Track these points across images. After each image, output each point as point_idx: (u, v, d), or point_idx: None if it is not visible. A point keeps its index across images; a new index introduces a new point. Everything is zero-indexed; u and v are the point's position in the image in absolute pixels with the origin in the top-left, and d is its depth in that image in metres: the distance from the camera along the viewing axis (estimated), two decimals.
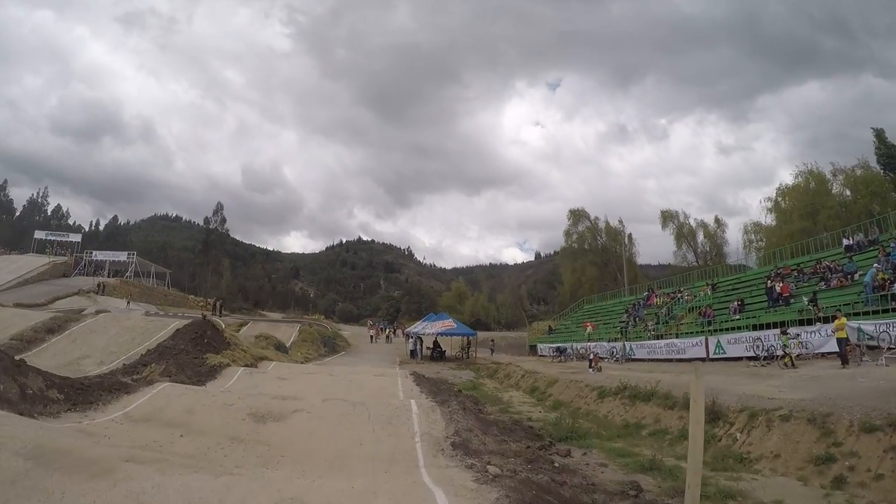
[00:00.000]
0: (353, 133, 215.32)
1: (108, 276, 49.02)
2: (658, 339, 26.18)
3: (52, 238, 56.65)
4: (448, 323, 29.80)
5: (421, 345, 29.03)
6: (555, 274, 73.84)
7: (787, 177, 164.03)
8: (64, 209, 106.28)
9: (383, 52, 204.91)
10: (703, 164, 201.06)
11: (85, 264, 51.21)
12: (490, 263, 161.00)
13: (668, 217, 50.63)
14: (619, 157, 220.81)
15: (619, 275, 51.09)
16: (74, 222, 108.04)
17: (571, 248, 54.72)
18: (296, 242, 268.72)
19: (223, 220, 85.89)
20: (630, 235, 53.25)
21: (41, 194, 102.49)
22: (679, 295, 30.32)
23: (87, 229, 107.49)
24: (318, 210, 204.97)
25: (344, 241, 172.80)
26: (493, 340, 37.91)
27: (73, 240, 56.72)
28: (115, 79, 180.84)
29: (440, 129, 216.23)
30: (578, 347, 30.06)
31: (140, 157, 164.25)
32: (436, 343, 30.72)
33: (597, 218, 54.58)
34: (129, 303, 38.00)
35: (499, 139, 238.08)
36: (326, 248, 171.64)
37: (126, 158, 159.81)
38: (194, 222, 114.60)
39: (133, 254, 55.39)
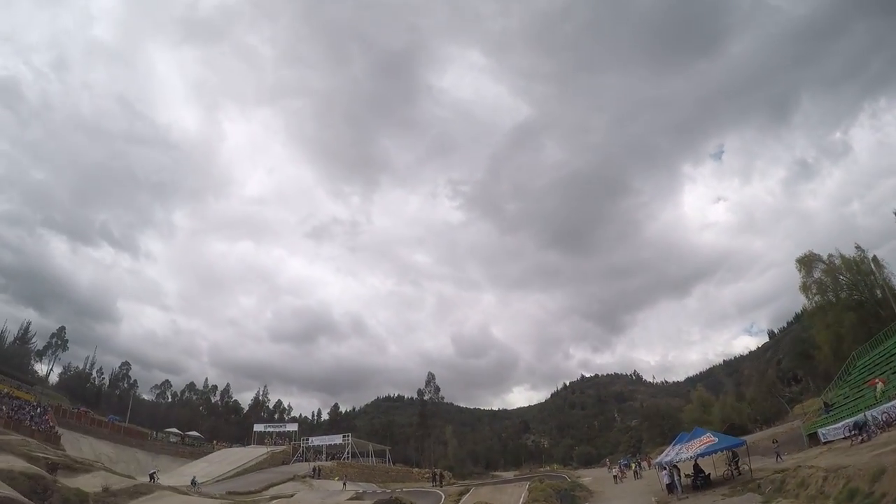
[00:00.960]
0: (547, 277, 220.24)
1: (325, 460, 49.99)
2: None
3: (271, 430, 61.40)
4: (708, 439, 23.71)
5: (678, 474, 23.57)
6: (804, 342, 59.78)
7: None
8: (285, 403, 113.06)
9: (549, 190, 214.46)
10: None
11: (303, 451, 52.59)
12: (724, 361, 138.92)
13: None
14: (812, 194, 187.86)
15: (880, 310, 38.98)
16: (300, 415, 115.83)
17: (816, 301, 43.99)
18: (520, 397, 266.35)
19: (437, 389, 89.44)
20: (876, 258, 41.39)
21: (262, 392, 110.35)
22: None
23: (310, 418, 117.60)
24: (535, 360, 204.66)
25: (567, 383, 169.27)
26: (776, 441, 29.43)
27: (291, 429, 60.77)
28: (317, 285, 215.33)
29: (628, 243, 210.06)
30: (875, 414, 21.89)
31: (356, 348, 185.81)
32: (696, 467, 24.96)
33: (831, 255, 44.23)
34: (344, 483, 37.28)
35: (688, 230, 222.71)
36: (552, 395, 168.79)
37: (343, 352, 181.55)
38: (416, 399, 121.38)
39: (348, 435, 56.55)
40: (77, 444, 41.26)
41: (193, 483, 36.06)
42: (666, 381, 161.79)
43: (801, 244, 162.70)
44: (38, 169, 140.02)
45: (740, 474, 23.60)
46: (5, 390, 42.86)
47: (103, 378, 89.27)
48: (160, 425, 68.04)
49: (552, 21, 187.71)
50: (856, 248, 43.35)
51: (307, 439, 56.79)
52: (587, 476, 40.27)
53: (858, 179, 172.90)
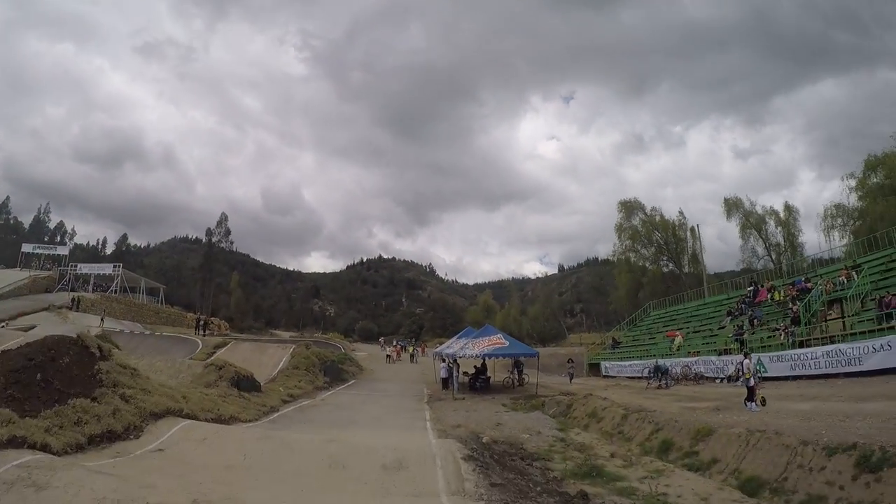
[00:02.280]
0: (371, 154, 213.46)
1: (92, 291, 43.75)
2: (801, 346, 17.82)
3: (39, 252, 51.77)
4: (498, 340, 20.73)
5: (458, 370, 20.71)
6: (602, 278, 65.40)
7: (805, 179, 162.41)
8: (69, 227, 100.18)
9: (398, 72, 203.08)
10: (721, 170, 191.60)
11: (70, 279, 46.08)
12: (512, 278, 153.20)
13: (732, 205, 41.63)
14: (636, 166, 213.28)
15: (682, 274, 42.45)
16: (87, 242, 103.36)
17: (626, 245, 45.66)
18: (316, 263, 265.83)
19: (227, 232, 79.47)
20: (694, 229, 44.05)
21: (43, 210, 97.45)
22: (809, 285, 21.72)
23: (96, 247, 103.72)
24: (339, 230, 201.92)
25: (364, 259, 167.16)
26: (571, 361, 28.39)
27: (61, 253, 51.71)
28: (135, 107, 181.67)
29: (457, 146, 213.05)
30: (673, 365, 21.71)
31: (162, 182, 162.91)
32: (481, 367, 22.47)
33: (654, 209, 45.87)
34: (102, 319, 32.47)
35: (515, 155, 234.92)
36: (347, 267, 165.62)
37: (148, 184, 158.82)
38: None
39: (118, 265, 49.87)
40: None
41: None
42: (456, 281, 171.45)
43: (607, 205, 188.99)
44: None
45: (521, 385, 21.76)
46: None
47: None
48: None
49: None
50: (679, 213, 45.84)
51: (75, 266, 49.15)
52: (363, 352, 37.49)
53: (680, 172, 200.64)
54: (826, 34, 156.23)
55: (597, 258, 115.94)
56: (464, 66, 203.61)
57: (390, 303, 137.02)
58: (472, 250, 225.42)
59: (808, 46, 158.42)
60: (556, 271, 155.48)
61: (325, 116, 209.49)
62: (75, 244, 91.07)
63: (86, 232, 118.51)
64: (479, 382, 21.35)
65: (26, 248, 51.92)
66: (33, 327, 27.44)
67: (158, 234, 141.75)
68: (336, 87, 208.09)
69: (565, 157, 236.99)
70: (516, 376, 22.47)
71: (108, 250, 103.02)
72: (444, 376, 21.07)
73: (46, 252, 51.87)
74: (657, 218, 45.08)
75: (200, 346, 24.84)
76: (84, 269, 49.35)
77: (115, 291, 45.74)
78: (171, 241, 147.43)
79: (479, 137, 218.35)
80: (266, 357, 21.86)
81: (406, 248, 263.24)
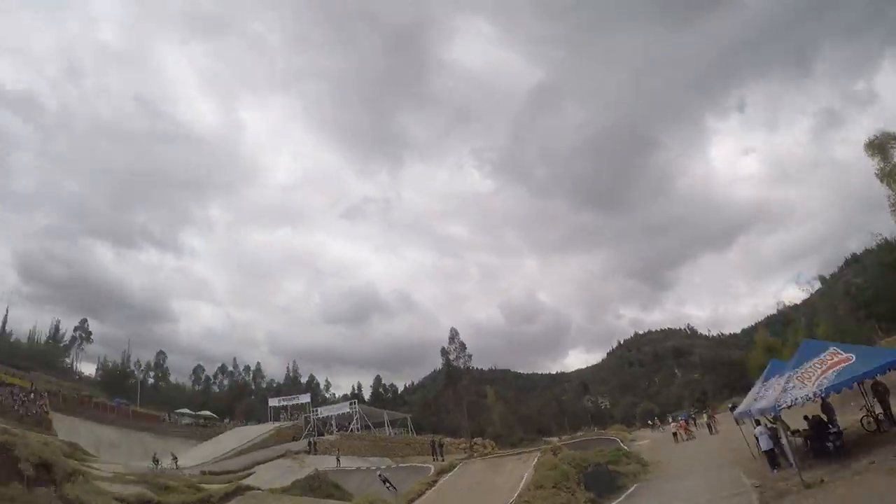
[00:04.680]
0: (586, 238, 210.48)
1: (335, 433, 45.02)
2: None
3: (284, 403, 56.10)
4: (836, 356, 12.18)
5: (785, 430, 12.89)
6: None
7: None
8: (320, 380, 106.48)
9: (575, 152, 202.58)
10: None
11: (314, 424, 47.92)
12: (778, 311, 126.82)
13: None
14: (842, 142, 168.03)
15: None
16: (350, 391, 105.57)
17: None
18: (577, 360, 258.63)
19: (462, 347, 79.74)
20: None
21: (292, 368, 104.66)
22: None
23: (355, 393, 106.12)
24: (586, 322, 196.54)
25: (622, 341, 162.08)
26: None
27: (304, 401, 54.54)
28: (360, 265, 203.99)
29: (661, 199, 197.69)
30: None
31: (407, 324, 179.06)
32: (821, 415, 14.03)
33: None
34: (338, 459, 32.66)
35: (720, 183, 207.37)
36: (607, 355, 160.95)
37: (396, 329, 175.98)
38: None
39: (354, 402, 51.59)
40: (75, 430, 37.67)
41: (155, 461, 31.75)
42: (722, 333, 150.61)
43: (838, 192, 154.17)
44: (70, 180, 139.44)
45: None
46: None
47: (142, 369, 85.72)
48: (183, 408, 63.99)
49: None
50: None
51: (316, 410, 51.04)
52: (644, 439, 30.24)
53: (888, 126, 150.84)
54: None
55: (854, 254, 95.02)
56: (630, 120, 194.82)
57: (663, 377, 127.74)
58: (723, 298, 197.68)
59: None
60: (819, 285, 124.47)
61: (528, 218, 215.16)
62: (333, 394, 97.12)
63: (346, 384, 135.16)
64: (830, 441, 13.13)
65: (273, 402, 57.10)
66: (250, 473, 27.51)
67: (420, 372, 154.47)
68: (526, 187, 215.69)
69: (768, 165, 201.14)
70: (878, 411, 13.51)
71: (366, 394, 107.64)
72: (766, 447, 13.63)
73: (290, 403, 55.68)
74: None
75: (430, 472, 22.02)
76: (323, 411, 50.64)
77: (357, 429, 46.19)
78: (432, 374, 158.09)
79: (679, 181, 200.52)
80: (501, 478, 17.61)
81: (657, 318, 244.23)
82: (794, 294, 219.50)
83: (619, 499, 15.26)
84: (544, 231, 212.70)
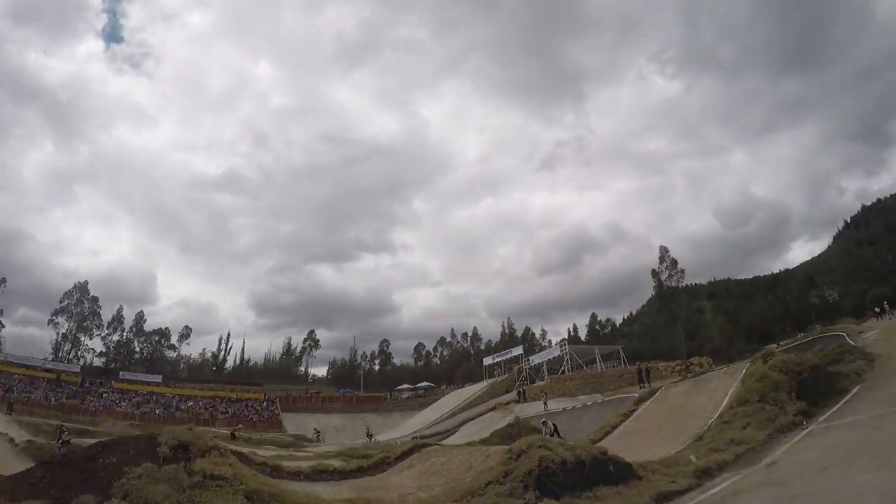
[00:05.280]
0: (792, 108, 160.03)
1: (546, 378, 43.38)
2: None
3: (498, 360, 56.37)
4: None
5: None
6: None
7: None
8: (535, 331, 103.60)
9: (756, 12, 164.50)
10: None
11: (525, 373, 47.05)
12: None
13: None
14: None
15: None
16: (563, 337, 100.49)
17: None
18: (801, 252, 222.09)
19: (673, 264, 73.22)
20: None
21: (507, 324, 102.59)
22: None
23: (571, 334, 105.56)
24: (806, 208, 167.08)
25: (848, 220, 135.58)
26: None
27: (516, 353, 53.91)
28: (567, 209, 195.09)
29: (863, 35, 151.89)
30: None
31: (621, 255, 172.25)
32: None
33: None
34: (545, 403, 31.89)
35: None
36: (833, 240, 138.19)
37: (610, 263, 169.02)
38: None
39: (564, 342, 49.74)
40: (303, 423, 45.08)
41: (369, 436, 35.86)
42: None
43: None
44: (284, 223, 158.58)
45: None
46: (234, 396, 51.50)
47: (367, 359, 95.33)
48: (403, 384, 71.66)
49: None
50: None
51: (528, 360, 50.02)
52: (873, 329, 25.03)
53: None
54: None
55: None
56: None
57: None
58: None
59: None
60: None
61: (725, 106, 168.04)
62: (549, 341, 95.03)
63: (564, 329, 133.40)
64: None
65: (486, 360, 57.53)
66: (455, 431, 29.55)
67: (635, 302, 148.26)
68: (715, 74, 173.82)
69: None
70: None
71: (582, 335, 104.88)
72: None
73: (503, 358, 55.10)
74: None
75: (631, 400, 20.88)
76: (535, 359, 49.71)
77: (569, 369, 43.87)
78: (650, 299, 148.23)
79: (878, 5, 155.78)
80: (703, 398, 16.19)
81: (884, 182, 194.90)
82: None
83: (836, 406, 13.35)
84: (746, 115, 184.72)
